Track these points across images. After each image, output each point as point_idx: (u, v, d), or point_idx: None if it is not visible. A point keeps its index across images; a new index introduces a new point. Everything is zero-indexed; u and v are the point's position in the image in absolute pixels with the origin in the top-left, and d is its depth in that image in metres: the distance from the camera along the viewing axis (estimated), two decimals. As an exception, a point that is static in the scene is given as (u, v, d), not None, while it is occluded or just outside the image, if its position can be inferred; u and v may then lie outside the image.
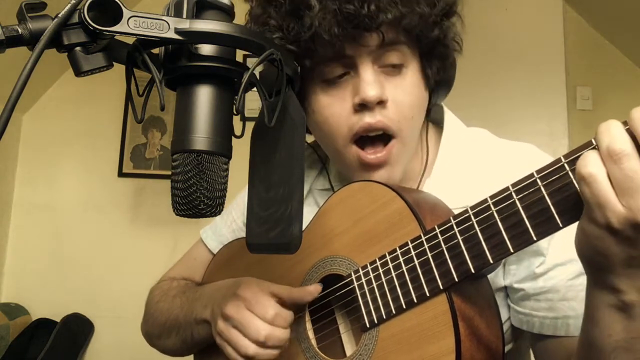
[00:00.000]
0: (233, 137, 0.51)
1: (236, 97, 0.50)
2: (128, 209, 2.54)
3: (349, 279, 0.68)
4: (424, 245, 0.60)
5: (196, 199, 0.48)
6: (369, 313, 0.64)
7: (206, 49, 0.48)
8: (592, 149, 0.46)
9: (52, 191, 2.55)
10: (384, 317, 0.63)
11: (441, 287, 0.58)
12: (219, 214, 0.50)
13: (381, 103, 0.67)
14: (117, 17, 0.43)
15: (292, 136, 0.55)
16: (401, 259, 0.62)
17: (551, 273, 0.67)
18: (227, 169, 0.50)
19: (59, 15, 0.43)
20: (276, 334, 0.67)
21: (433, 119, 0.83)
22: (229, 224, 0.95)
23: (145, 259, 2.37)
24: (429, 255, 0.60)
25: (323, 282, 0.72)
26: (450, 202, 0.68)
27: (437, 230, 0.59)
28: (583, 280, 0.53)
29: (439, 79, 0.73)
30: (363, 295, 0.65)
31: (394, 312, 0.62)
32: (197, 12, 0.48)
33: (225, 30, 0.47)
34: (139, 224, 2.53)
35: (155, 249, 2.40)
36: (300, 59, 0.66)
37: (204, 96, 0.49)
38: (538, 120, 2.46)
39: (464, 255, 0.57)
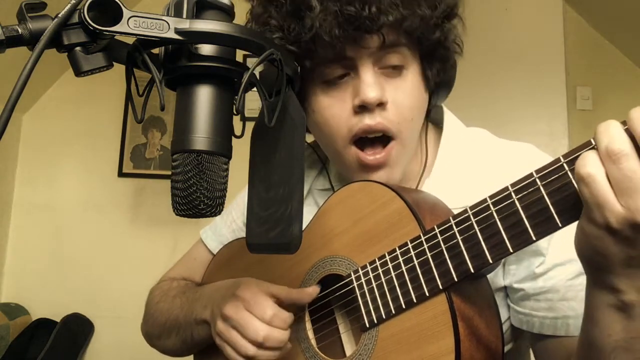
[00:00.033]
0: (233, 137, 0.51)
1: (236, 97, 0.50)
2: (128, 209, 2.55)
3: (349, 279, 0.68)
4: (423, 245, 0.60)
5: (196, 199, 0.48)
6: (368, 313, 0.64)
7: (206, 49, 0.48)
8: (591, 149, 0.46)
9: (52, 191, 2.55)
10: (384, 317, 0.63)
11: (440, 287, 0.58)
12: (219, 214, 0.50)
13: (381, 105, 0.67)
14: (117, 17, 0.43)
15: (292, 136, 0.55)
16: (400, 259, 0.62)
17: (551, 273, 0.67)
18: (227, 169, 0.50)
19: (59, 15, 0.43)
20: (275, 334, 0.67)
21: (432, 119, 0.83)
22: (229, 224, 0.95)
23: (145, 259, 2.38)
24: (429, 255, 0.60)
25: (323, 282, 0.72)
26: (449, 202, 0.68)
27: (437, 230, 0.59)
28: (583, 280, 0.53)
29: (439, 81, 0.73)
30: (363, 295, 0.65)
31: (393, 312, 0.62)
32: (197, 12, 0.48)
33: (225, 30, 0.47)
34: (139, 224, 2.53)
35: (155, 249, 2.40)
36: (300, 60, 0.66)
37: (204, 96, 0.49)
38: (538, 120, 2.46)
39: (463, 255, 0.57)
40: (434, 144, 0.80)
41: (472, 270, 0.56)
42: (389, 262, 0.63)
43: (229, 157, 0.50)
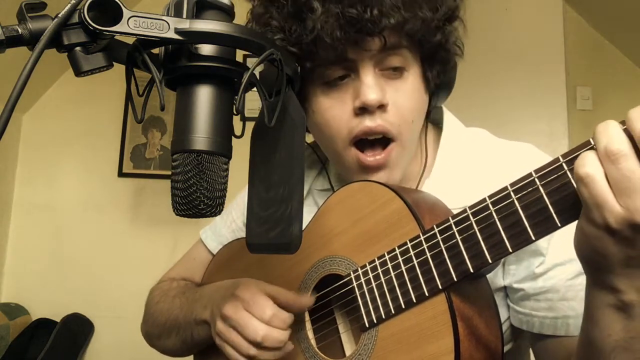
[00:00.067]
0: (233, 137, 0.51)
1: (236, 97, 0.50)
2: (128, 209, 2.55)
3: (348, 279, 0.68)
4: (422, 245, 0.60)
5: (196, 199, 0.48)
6: (368, 313, 0.64)
7: (206, 49, 0.48)
8: (589, 149, 0.46)
9: (52, 191, 2.56)
10: (383, 317, 0.63)
11: (440, 287, 0.58)
12: (219, 214, 0.50)
13: (382, 107, 0.67)
14: (117, 17, 0.43)
15: (292, 136, 0.55)
16: (400, 259, 0.62)
17: (551, 273, 0.67)
18: (227, 169, 0.50)
19: (59, 15, 0.43)
20: (274, 334, 0.67)
21: (432, 119, 0.83)
22: (229, 224, 0.95)
23: (145, 259, 2.38)
24: (428, 255, 0.60)
25: (322, 282, 0.72)
26: (449, 202, 0.68)
27: (436, 230, 0.59)
28: (582, 280, 0.53)
29: (439, 82, 0.73)
30: (362, 295, 0.65)
31: (393, 312, 0.62)
32: (197, 12, 0.48)
33: (225, 30, 0.47)
34: (139, 224, 2.53)
35: (155, 249, 2.40)
36: (301, 61, 0.66)
37: (204, 96, 0.49)
38: (538, 120, 2.46)
39: (462, 255, 0.57)
40: (434, 144, 0.80)
41: (472, 270, 0.56)
42: (388, 262, 0.63)
43: (229, 157, 0.50)
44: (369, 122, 0.67)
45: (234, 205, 0.96)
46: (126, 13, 0.44)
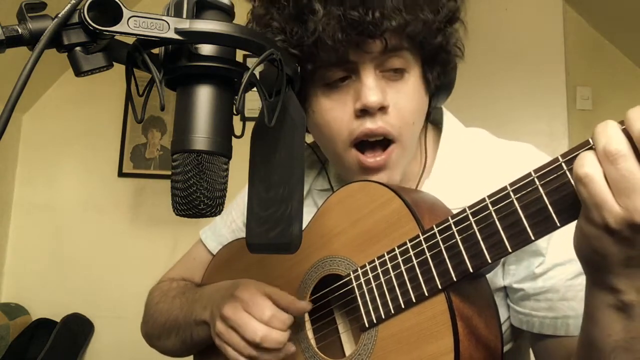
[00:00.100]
0: (233, 137, 0.51)
1: (236, 97, 0.50)
2: (128, 209, 2.55)
3: (348, 279, 0.68)
4: (422, 245, 0.60)
5: (196, 199, 0.48)
6: (368, 313, 0.65)
7: (206, 49, 0.48)
8: (588, 149, 0.46)
9: (52, 191, 2.56)
10: (383, 317, 0.63)
11: (440, 287, 0.58)
12: (219, 214, 0.50)
13: (382, 109, 0.67)
14: (117, 17, 0.43)
15: (292, 136, 0.55)
16: (400, 259, 0.62)
17: (550, 273, 0.67)
18: (227, 169, 0.50)
19: (59, 15, 0.43)
20: (273, 335, 0.67)
21: (432, 119, 0.83)
22: (229, 224, 0.95)
23: (145, 259, 2.38)
24: (428, 255, 0.60)
25: (322, 282, 0.72)
26: (449, 203, 0.68)
27: (436, 230, 0.59)
28: (582, 280, 0.53)
29: (439, 84, 0.73)
30: (362, 295, 0.65)
31: (392, 312, 0.62)
32: (197, 12, 0.48)
33: (225, 30, 0.47)
34: (139, 224, 2.53)
35: (155, 249, 2.40)
36: (302, 63, 0.65)
37: (204, 96, 0.49)
38: (538, 120, 2.46)
39: (462, 255, 0.57)
40: (434, 145, 0.80)
41: (471, 270, 0.56)
42: (388, 262, 0.63)
43: (229, 157, 0.50)
44: (370, 124, 0.67)
45: (233, 205, 0.96)
46: (126, 13, 0.44)
